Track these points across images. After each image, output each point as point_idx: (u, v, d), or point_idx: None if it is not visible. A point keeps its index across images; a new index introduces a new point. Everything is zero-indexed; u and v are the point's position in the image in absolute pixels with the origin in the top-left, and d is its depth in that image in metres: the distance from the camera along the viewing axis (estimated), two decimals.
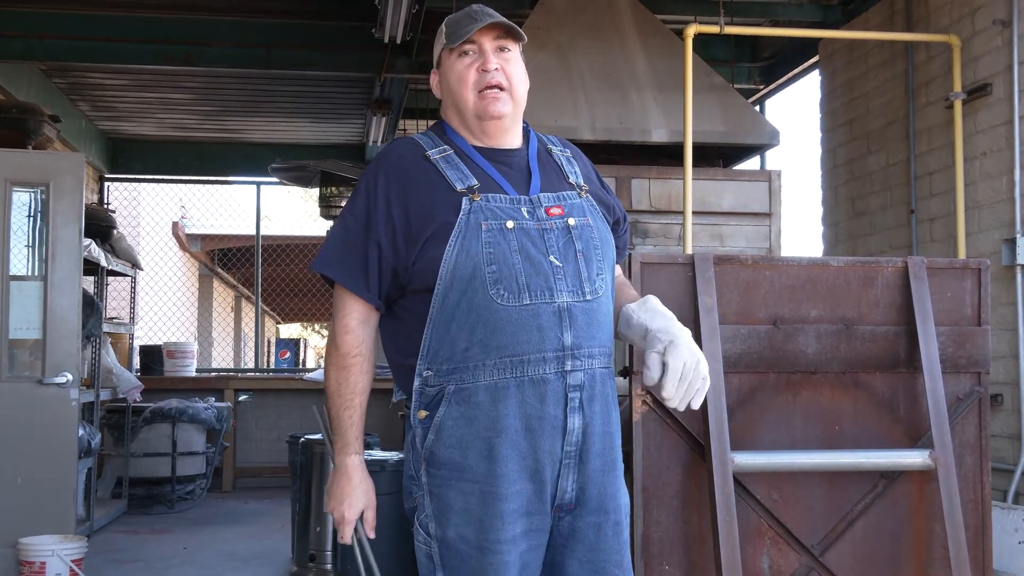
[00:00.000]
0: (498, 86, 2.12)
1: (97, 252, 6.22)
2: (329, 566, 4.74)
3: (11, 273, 5.27)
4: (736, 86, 6.88)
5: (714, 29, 5.14)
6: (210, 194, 12.35)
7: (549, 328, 2.01)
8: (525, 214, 2.07)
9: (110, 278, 7.37)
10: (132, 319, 7.98)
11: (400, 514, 2.17)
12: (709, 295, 3.27)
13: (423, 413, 2.06)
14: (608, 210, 2.23)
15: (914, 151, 5.70)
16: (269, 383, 8.93)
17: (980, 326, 3.44)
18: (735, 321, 3.33)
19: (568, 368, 2.03)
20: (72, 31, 6.78)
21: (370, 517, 2.13)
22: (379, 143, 8.74)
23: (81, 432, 5.54)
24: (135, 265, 7.40)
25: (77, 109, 8.87)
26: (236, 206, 12.41)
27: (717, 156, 5.90)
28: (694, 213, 5.00)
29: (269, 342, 17.33)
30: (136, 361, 8.45)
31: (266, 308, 17.26)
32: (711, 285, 3.29)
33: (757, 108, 7.88)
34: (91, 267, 6.22)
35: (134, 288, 7.95)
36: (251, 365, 12.07)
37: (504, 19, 2.15)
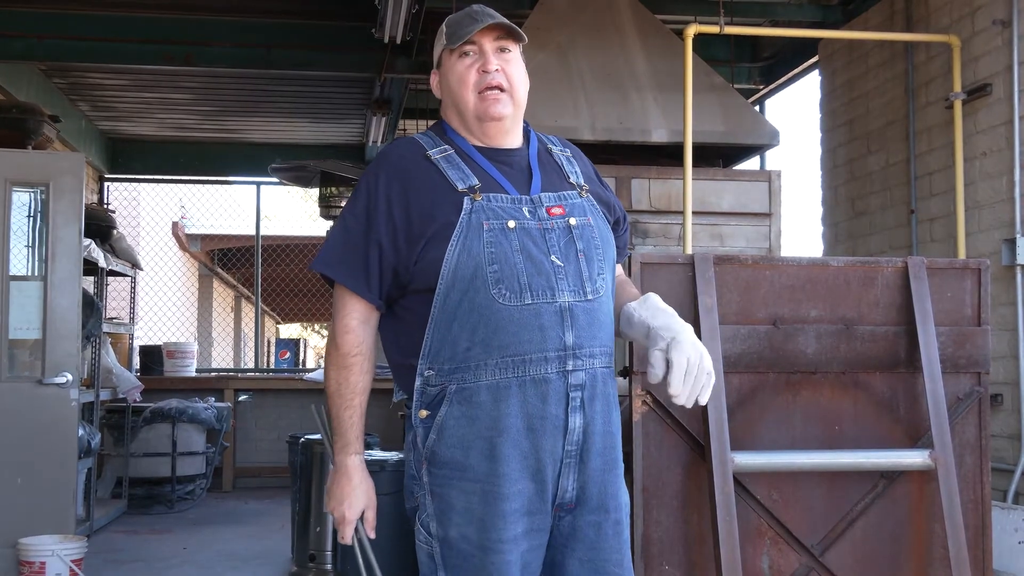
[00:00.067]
0: (498, 87, 2.12)
1: (97, 252, 6.21)
2: (329, 566, 4.74)
3: (11, 273, 5.27)
4: (736, 86, 6.89)
5: (714, 29, 5.14)
6: (210, 194, 12.35)
7: (551, 328, 2.01)
8: (526, 214, 2.08)
9: (110, 278, 7.37)
10: (132, 319, 7.98)
11: (400, 514, 2.17)
12: (709, 295, 3.28)
13: (424, 413, 2.06)
14: (608, 209, 2.23)
15: (914, 151, 5.70)
16: (269, 383, 8.93)
17: (980, 326, 3.44)
18: (735, 321, 3.33)
19: (570, 368, 2.03)
20: (72, 31, 6.78)
21: (371, 517, 2.13)
22: (379, 143, 8.74)
23: (81, 432, 5.54)
24: (135, 265, 7.40)
25: (77, 109, 8.87)
26: (236, 206, 12.42)
27: (717, 156, 5.91)
28: (694, 213, 5.00)
29: (269, 342, 17.32)
30: (136, 361, 8.45)
31: (266, 308, 17.26)
32: (711, 285, 3.29)
33: (757, 108, 7.88)
34: (91, 267, 6.22)
35: (134, 288, 7.95)
36: (251, 365, 12.07)
37: (505, 20, 2.15)
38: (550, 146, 2.26)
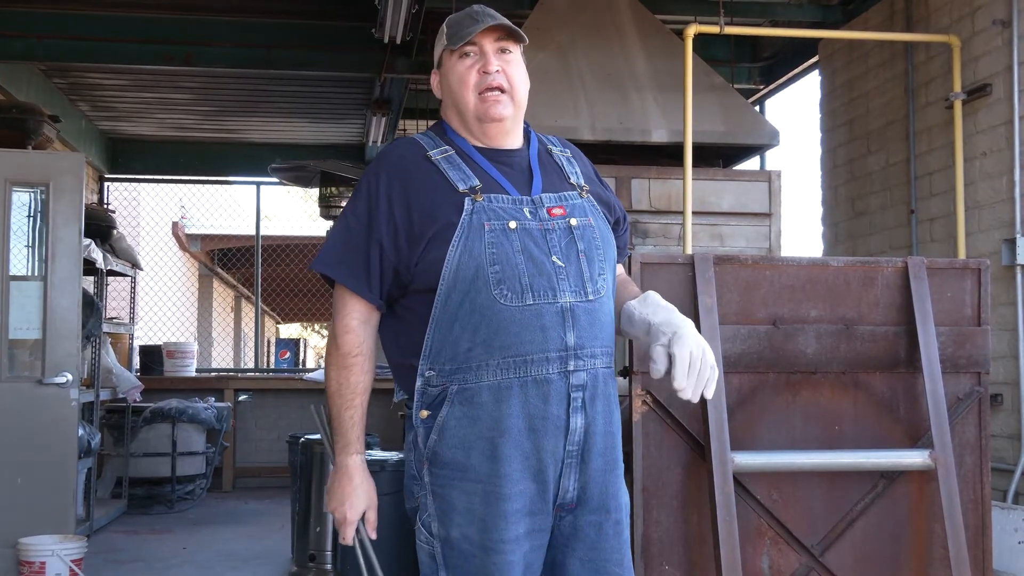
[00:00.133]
0: (499, 88, 2.12)
1: (97, 252, 6.21)
2: (329, 566, 4.74)
3: (11, 273, 5.27)
4: (736, 86, 6.89)
5: (714, 29, 5.14)
6: (210, 194, 12.35)
7: (552, 328, 2.01)
8: (527, 214, 2.08)
9: (110, 278, 7.37)
10: (132, 319, 7.99)
11: (400, 514, 2.17)
12: (709, 295, 3.28)
13: (425, 413, 2.06)
14: (609, 210, 2.23)
15: (914, 151, 5.70)
16: (269, 383, 8.93)
17: (980, 326, 3.44)
18: (735, 321, 3.33)
19: (571, 368, 2.03)
20: (72, 31, 6.78)
21: (372, 518, 2.13)
22: (379, 143, 8.74)
23: (81, 432, 5.54)
24: (135, 265, 7.40)
25: (77, 109, 8.87)
26: (236, 206, 12.42)
27: (717, 156, 5.91)
28: (694, 213, 5.00)
29: (269, 342, 17.33)
30: (136, 361, 8.45)
31: (266, 308, 17.26)
32: (711, 285, 3.29)
33: (757, 108, 7.88)
34: (91, 267, 6.22)
35: (134, 288, 7.95)
36: (251, 365, 12.07)
37: (506, 20, 2.15)
38: (550, 147, 2.26)
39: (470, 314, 2.01)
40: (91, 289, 6.35)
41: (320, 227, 11.50)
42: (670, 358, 1.99)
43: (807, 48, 7.12)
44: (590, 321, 2.05)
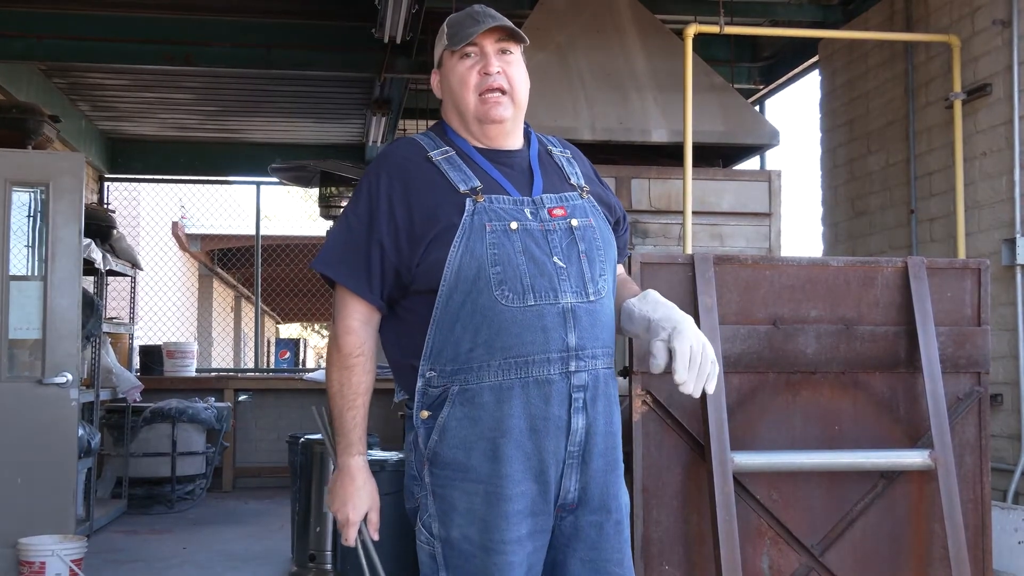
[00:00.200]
0: (499, 89, 2.12)
1: (97, 252, 6.21)
2: (329, 566, 4.74)
3: (11, 273, 5.27)
4: (736, 86, 6.89)
5: (714, 29, 5.14)
6: (210, 194, 12.35)
7: (554, 329, 2.01)
8: (528, 215, 2.08)
9: (110, 278, 7.37)
10: (132, 319, 7.99)
11: (400, 514, 2.17)
12: (709, 295, 3.28)
13: (426, 413, 2.06)
14: (609, 210, 2.23)
15: (914, 151, 5.70)
16: (269, 383, 8.93)
17: (980, 326, 3.44)
18: (735, 321, 3.33)
19: (572, 369, 2.03)
20: (72, 31, 6.78)
21: (374, 518, 2.13)
22: (379, 143, 8.74)
23: (81, 432, 5.54)
24: (135, 265, 7.40)
25: (77, 109, 8.87)
26: (236, 206, 12.42)
27: (717, 156, 5.91)
28: (694, 213, 5.00)
29: (269, 342, 17.33)
30: (136, 361, 8.45)
31: (266, 308, 17.27)
32: (711, 285, 3.29)
33: (757, 108, 7.88)
34: (91, 267, 6.22)
35: (134, 288, 7.95)
36: (251, 365, 12.07)
37: (507, 21, 2.15)
38: (550, 147, 2.26)
39: (471, 315, 2.01)
40: (91, 289, 6.35)
41: (320, 227, 11.50)
42: (670, 353, 2.00)
43: (807, 48, 7.12)
44: (591, 322, 2.06)
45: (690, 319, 2.05)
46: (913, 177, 5.69)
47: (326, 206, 8.13)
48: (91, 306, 6.01)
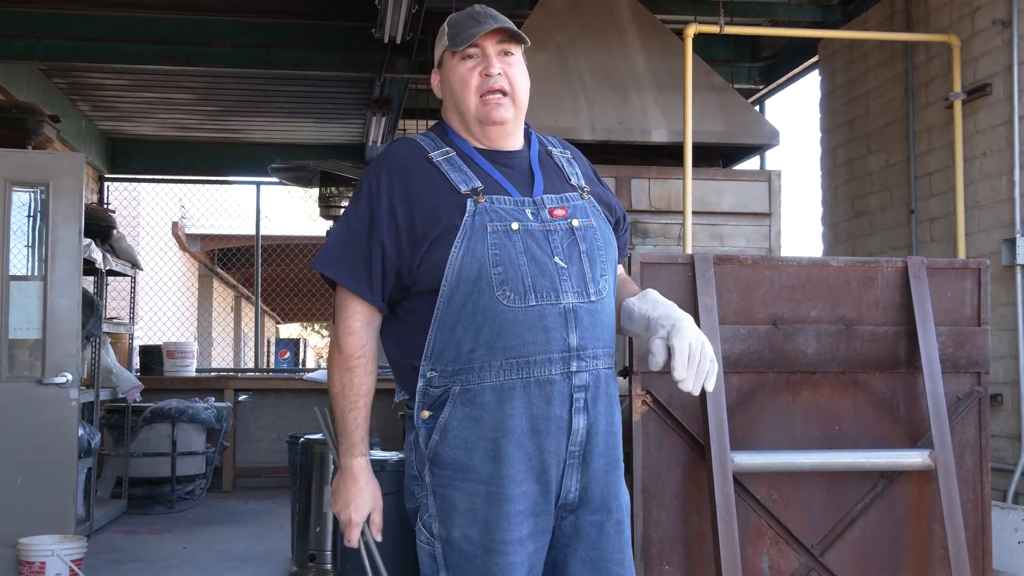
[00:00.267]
0: (501, 91, 2.12)
1: (97, 252, 6.21)
2: (329, 566, 4.74)
3: (11, 273, 5.27)
4: (736, 86, 6.89)
5: (714, 29, 5.14)
6: (210, 194, 12.35)
7: (555, 329, 2.02)
8: (529, 216, 2.08)
9: (110, 278, 7.37)
10: (132, 319, 7.98)
11: (400, 514, 2.17)
12: (709, 295, 3.28)
13: (427, 414, 2.06)
14: (609, 210, 2.23)
15: (914, 151, 5.70)
16: (269, 383, 8.93)
17: (980, 326, 3.44)
18: (735, 321, 3.33)
19: (574, 369, 2.03)
20: (72, 31, 6.78)
21: (377, 519, 2.13)
22: (379, 143, 8.74)
23: (81, 432, 5.54)
24: (135, 265, 7.40)
25: (77, 109, 8.87)
26: (236, 206, 12.42)
27: (717, 156, 5.91)
28: (694, 213, 5.00)
29: (269, 342, 17.33)
30: (136, 361, 8.45)
31: (266, 308, 17.26)
32: (711, 285, 3.29)
33: (757, 108, 7.88)
34: (91, 267, 6.22)
35: (134, 288, 7.95)
36: (251, 365, 12.07)
37: (509, 22, 2.15)
38: (550, 148, 2.26)
39: (473, 315, 2.01)
40: (91, 289, 6.35)
41: (320, 227, 11.49)
42: (669, 351, 2.00)
43: (807, 48, 7.12)
44: (592, 322, 2.06)
45: (689, 317, 2.05)
46: (913, 177, 5.69)
47: (326, 206, 8.13)
48: (91, 306, 6.01)
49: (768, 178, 5.62)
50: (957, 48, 5.14)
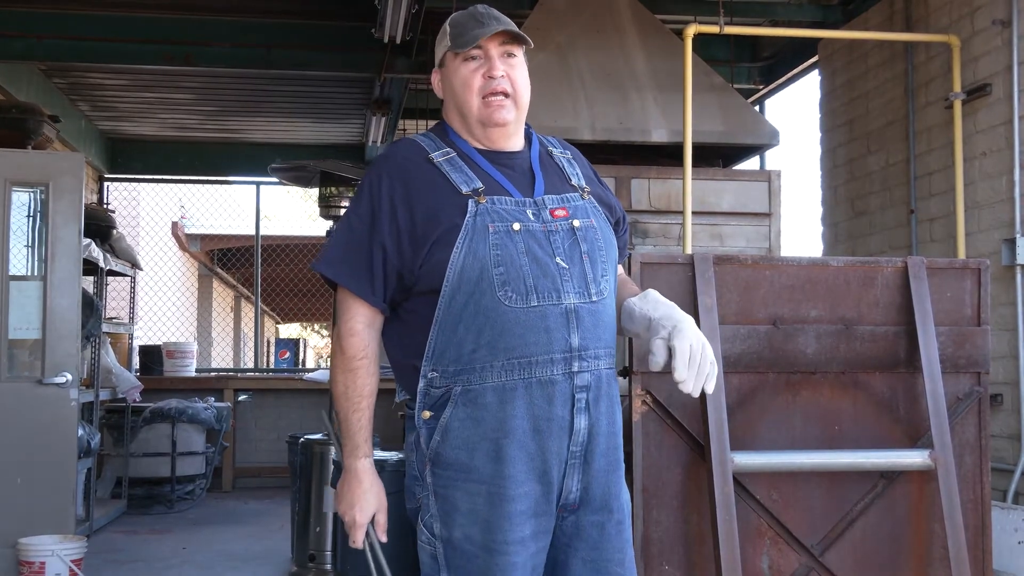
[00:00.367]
0: (503, 93, 2.12)
1: (97, 252, 6.21)
2: (329, 566, 4.74)
3: (11, 273, 5.27)
4: (736, 86, 6.89)
5: (714, 29, 5.14)
6: (210, 194, 12.35)
7: (556, 330, 2.02)
8: (531, 216, 2.08)
9: (110, 278, 7.37)
10: (132, 319, 7.98)
11: (401, 514, 2.17)
12: (709, 295, 3.28)
13: (428, 414, 2.06)
14: (609, 210, 2.23)
15: (914, 151, 5.70)
16: (269, 383, 8.93)
17: (980, 326, 3.45)
18: (735, 321, 3.34)
19: (575, 369, 2.03)
20: (72, 31, 6.78)
21: (381, 520, 2.13)
22: (379, 143, 8.74)
23: (81, 432, 5.54)
24: (135, 265, 7.39)
25: (77, 109, 8.87)
26: (236, 206, 12.42)
27: (717, 156, 5.90)
28: (694, 213, 5.00)
29: (269, 342, 17.33)
30: (136, 361, 8.44)
31: (266, 308, 17.26)
32: (711, 285, 3.29)
33: (757, 108, 7.88)
34: (91, 267, 6.22)
35: (134, 288, 7.95)
36: (251, 365, 12.07)
37: (511, 24, 2.14)
38: (551, 148, 2.27)
39: (474, 316, 2.01)
40: (91, 289, 6.35)
41: (320, 227, 11.47)
42: (670, 351, 2.00)
43: (807, 48, 7.12)
44: (594, 322, 2.06)
45: (690, 318, 2.05)
46: (913, 177, 5.69)
47: (326, 206, 8.10)
48: (91, 306, 6.01)
49: (768, 178, 5.62)
50: (957, 48, 5.15)
